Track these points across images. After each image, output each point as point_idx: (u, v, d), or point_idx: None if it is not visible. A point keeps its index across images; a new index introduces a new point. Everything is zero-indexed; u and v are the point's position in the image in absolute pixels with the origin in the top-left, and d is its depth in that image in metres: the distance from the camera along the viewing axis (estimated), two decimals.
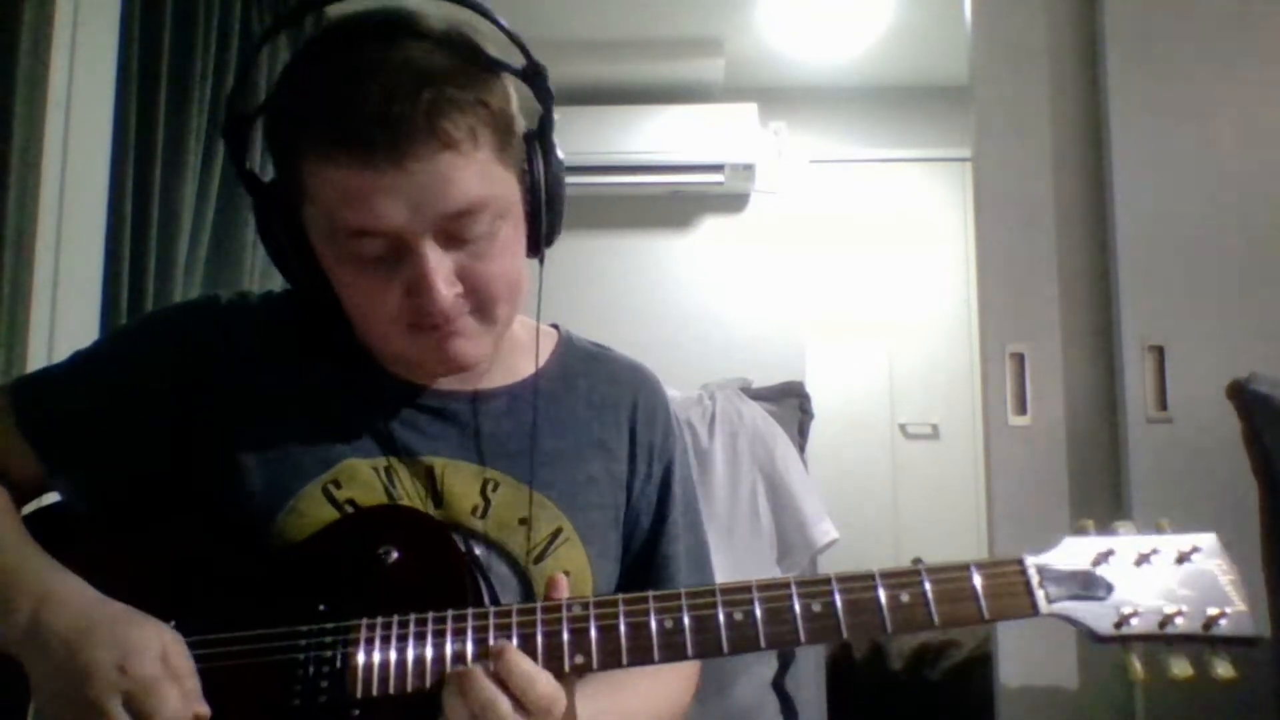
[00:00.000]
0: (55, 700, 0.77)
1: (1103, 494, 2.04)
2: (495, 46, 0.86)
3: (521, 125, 0.88)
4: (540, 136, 0.89)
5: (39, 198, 1.59)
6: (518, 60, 0.87)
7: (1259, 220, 2.02)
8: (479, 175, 0.81)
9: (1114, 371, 2.06)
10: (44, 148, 1.60)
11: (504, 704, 0.73)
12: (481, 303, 0.86)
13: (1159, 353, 2.01)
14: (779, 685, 2.07)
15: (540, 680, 0.74)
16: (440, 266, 0.81)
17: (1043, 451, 2.08)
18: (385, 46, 0.80)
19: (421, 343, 0.86)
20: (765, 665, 2.06)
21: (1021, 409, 2.09)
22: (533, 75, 0.87)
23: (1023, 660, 2.02)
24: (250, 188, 0.88)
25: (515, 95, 0.87)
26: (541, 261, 0.94)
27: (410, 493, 0.90)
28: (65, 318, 1.63)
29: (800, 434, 2.24)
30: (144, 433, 0.92)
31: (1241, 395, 1.62)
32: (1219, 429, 1.69)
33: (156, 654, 0.76)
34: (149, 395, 0.92)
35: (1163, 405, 2.00)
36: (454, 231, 0.81)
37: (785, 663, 2.08)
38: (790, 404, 2.26)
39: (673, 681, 0.99)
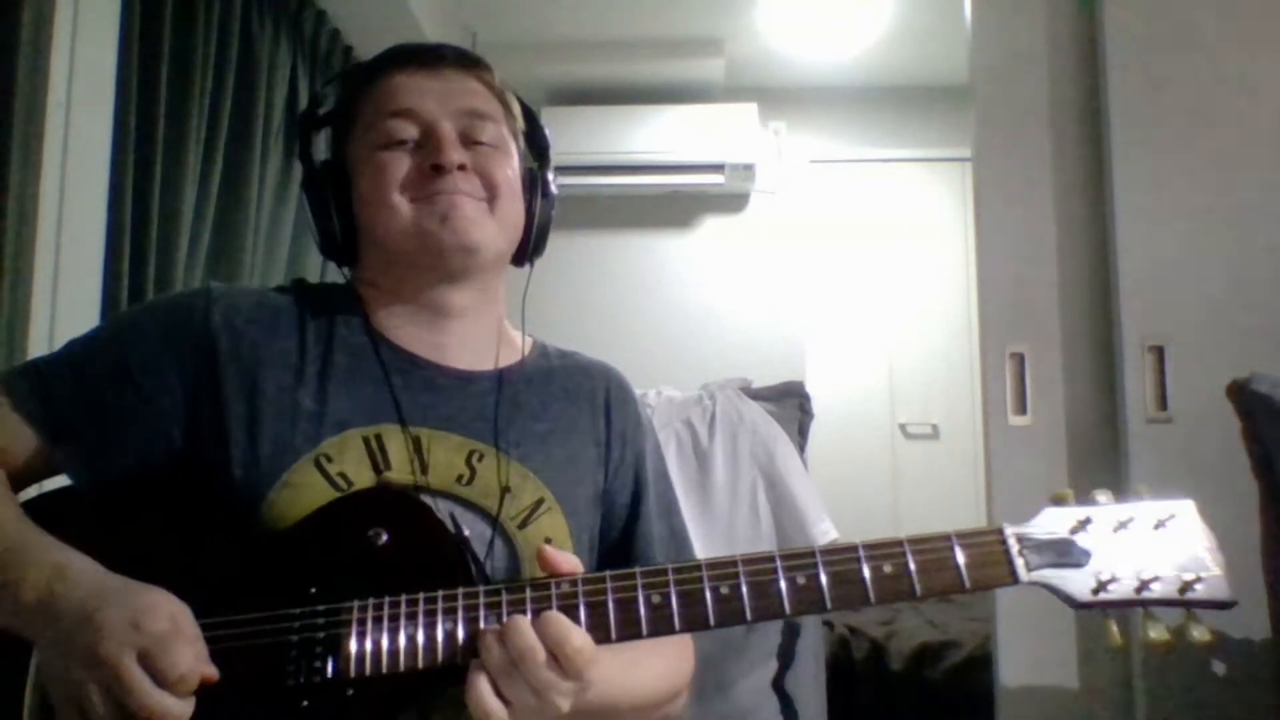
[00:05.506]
0: (65, 663, 0.77)
1: None
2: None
3: (521, 125, 1.09)
4: (536, 147, 1.10)
5: (39, 198, 1.58)
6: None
7: (1260, 220, 2.02)
8: (494, 108, 1.05)
9: (1114, 371, 2.06)
10: (44, 148, 1.59)
11: (541, 653, 0.76)
12: (485, 187, 1.00)
13: (1159, 353, 2.01)
14: (779, 686, 2.07)
15: (575, 635, 0.77)
16: (452, 135, 1.00)
17: (1043, 451, 2.08)
18: (439, 56, 1.05)
19: (428, 212, 0.97)
20: (765, 666, 2.06)
21: (1021, 409, 2.09)
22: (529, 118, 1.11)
23: (1023, 660, 2.02)
24: (310, 170, 1.06)
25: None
26: (532, 263, 1.10)
27: (399, 462, 0.93)
28: (65, 317, 1.63)
29: (800, 434, 2.24)
30: (143, 407, 0.93)
31: (1241, 395, 1.62)
32: (1219, 429, 1.69)
33: (167, 614, 0.78)
34: (149, 371, 0.94)
35: (1163, 405, 2.00)
36: (468, 129, 1.01)
37: (785, 663, 2.08)
38: (790, 404, 2.26)
39: (670, 653, 1.01)
